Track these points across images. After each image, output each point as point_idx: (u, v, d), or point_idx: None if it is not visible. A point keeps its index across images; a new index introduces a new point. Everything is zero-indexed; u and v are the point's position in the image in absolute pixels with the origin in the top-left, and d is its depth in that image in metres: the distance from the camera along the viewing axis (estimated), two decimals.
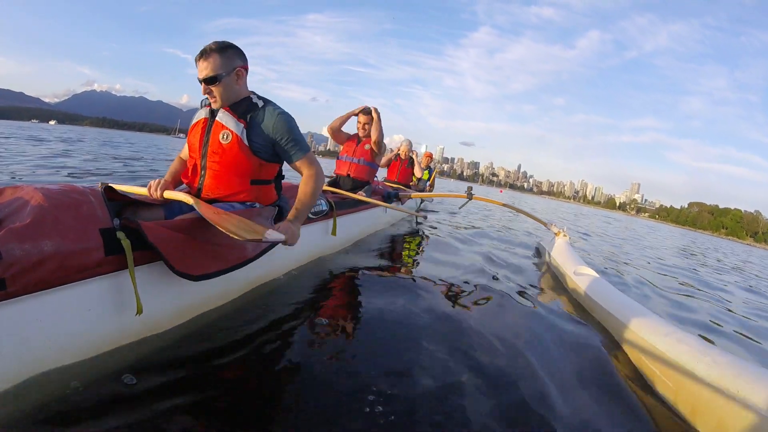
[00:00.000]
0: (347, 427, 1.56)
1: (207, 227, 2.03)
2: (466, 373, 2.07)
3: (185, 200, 2.02)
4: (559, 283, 4.26)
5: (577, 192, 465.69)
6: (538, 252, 6.08)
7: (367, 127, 5.11)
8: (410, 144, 8.74)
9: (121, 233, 1.68)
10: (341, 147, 5.40)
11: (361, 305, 2.77)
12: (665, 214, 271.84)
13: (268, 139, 2.36)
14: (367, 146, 5.13)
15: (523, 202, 39.47)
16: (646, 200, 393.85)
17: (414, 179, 8.94)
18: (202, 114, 2.42)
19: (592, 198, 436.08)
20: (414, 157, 8.79)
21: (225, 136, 2.30)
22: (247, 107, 2.37)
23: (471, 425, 1.67)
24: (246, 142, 2.31)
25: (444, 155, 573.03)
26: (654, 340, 2.32)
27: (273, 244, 2.41)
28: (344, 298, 2.90)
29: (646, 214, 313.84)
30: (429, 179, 10.34)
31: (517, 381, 2.07)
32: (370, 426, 1.58)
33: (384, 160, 8.38)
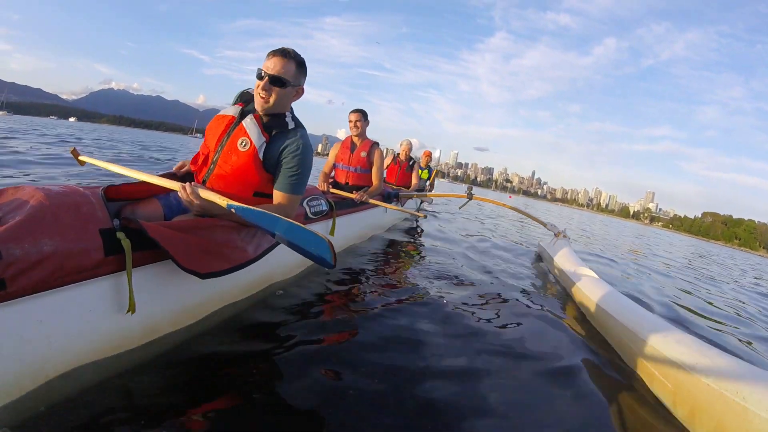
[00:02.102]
0: (346, 428, 1.57)
1: (208, 228, 2.03)
2: (462, 374, 2.07)
3: (219, 203, 1.97)
4: (558, 285, 4.27)
5: (591, 200, 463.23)
6: (538, 253, 6.06)
7: (359, 124, 5.03)
8: (411, 145, 8.47)
9: (121, 233, 1.67)
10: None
11: (360, 307, 2.74)
12: (679, 224, 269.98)
13: (278, 159, 2.31)
14: (362, 153, 5.11)
15: (536, 209, 39.18)
16: (660, 209, 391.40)
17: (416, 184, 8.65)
18: (231, 111, 2.39)
19: (606, 206, 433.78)
20: (417, 161, 8.51)
21: (243, 143, 2.25)
22: (277, 123, 2.32)
23: (464, 425, 1.68)
24: (261, 156, 2.26)
25: (458, 160, 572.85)
26: (653, 341, 2.29)
27: (274, 245, 2.42)
28: (343, 300, 2.89)
29: (660, 223, 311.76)
30: (429, 179, 10.17)
31: (513, 381, 2.08)
32: (368, 427, 1.59)
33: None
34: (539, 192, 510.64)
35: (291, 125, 2.35)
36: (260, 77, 2.24)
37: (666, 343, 2.22)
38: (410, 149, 8.29)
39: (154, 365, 1.76)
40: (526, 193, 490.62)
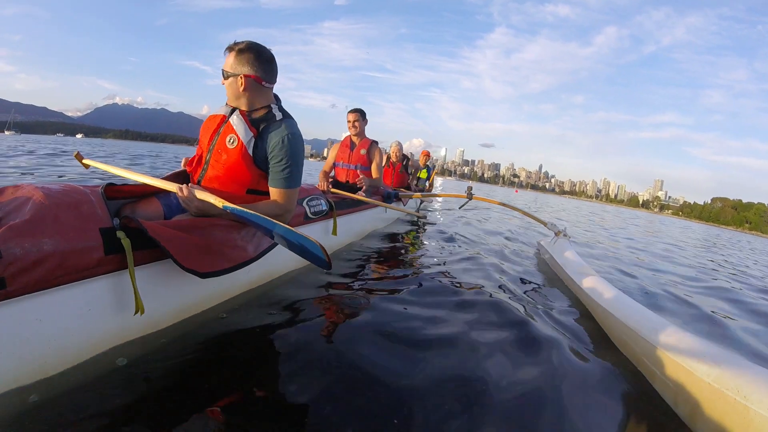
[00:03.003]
0: (344, 428, 1.56)
1: (208, 228, 2.03)
2: (462, 374, 2.07)
3: (215, 203, 1.97)
4: (558, 283, 4.22)
5: (599, 191, 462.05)
6: (539, 252, 5.99)
7: (357, 124, 5.07)
8: (400, 145, 8.27)
9: (121, 233, 1.67)
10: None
11: (360, 307, 2.74)
12: (689, 211, 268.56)
13: (267, 154, 2.29)
14: (362, 151, 5.13)
15: (545, 203, 38.96)
16: (669, 197, 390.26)
17: (413, 180, 8.67)
18: (222, 110, 2.38)
19: (615, 196, 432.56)
20: (409, 156, 8.46)
21: (231, 141, 2.24)
22: (263, 117, 2.30)
23: (464, 425, 1.67)
24: (250, 151, 2.24)
25: (464, 158, 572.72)
26: (654, 339, 2.27)
27: (274, 245, 2.40)
28: (342, 299, 2.89)
29: (669, 211, 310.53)
30: (428, 178, 10.17)
31: (512, 381, 2.06)
32: (366, 428, 1.58)
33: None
34: (547, 185, 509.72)
35: (278, 117, 2.32)
36: None
37: (667, 342, 2.20)
38: (400, 149, 8.20)
39: (154, 364, 1.75)
40: (534, 187, 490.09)
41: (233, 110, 2.33)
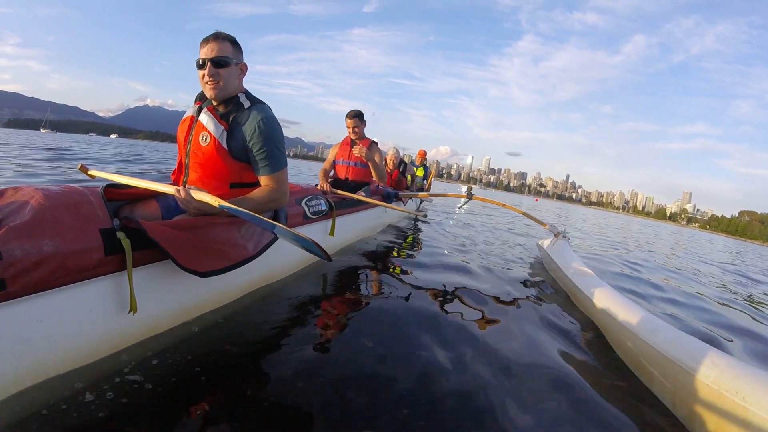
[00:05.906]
0: (344, 428, 1.56)
1: (207, 227, 2.03)
2: (458, 374, 2.05)
3: (211, 203, 1.96)
4: (557, 285, 4.21)
5: (627, 202, 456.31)
6: (538, 253, 5.94)
7: (357, 130, 5.09)
8: (397, 152, 8.20)
9: (121, 233, 1.67)
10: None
11: (359, 307, 2.77)
12: (716, 224, 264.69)
13: (246, 144, 2.26)
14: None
15: (571, 213, 38.80)
16: (698, 210, 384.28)
17: (412, 181, 8.74)
18: (190, 111, 2.37)
19: (643, 208, 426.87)
20: (404, 160, 8.39)
21: (204, 138, 2.22)
22: (231, 108, 2.28)
23: (463, 424, 1.66)
24: (225, 145, 2.21)
25: (490, 166, 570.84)
26: (653, 341, 2.27)
27: (273, 241, 2.41)
28: (343, 299, 2.88)
29: (697, 224, 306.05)
30: (426, 178, 10.17)
31: (512, 380, 2.06)
32: (366, 427, 1.57)
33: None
34: (574, 196, 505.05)
35: (246, 105, 2.30)
36: (202, 66, 2.19)
37: (666, 344, 2.19)
38: (397, 156, 8.16)
39: (154, 364, 1.74)
40: (561, 197, 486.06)
41: (200, 109, 2.30)
